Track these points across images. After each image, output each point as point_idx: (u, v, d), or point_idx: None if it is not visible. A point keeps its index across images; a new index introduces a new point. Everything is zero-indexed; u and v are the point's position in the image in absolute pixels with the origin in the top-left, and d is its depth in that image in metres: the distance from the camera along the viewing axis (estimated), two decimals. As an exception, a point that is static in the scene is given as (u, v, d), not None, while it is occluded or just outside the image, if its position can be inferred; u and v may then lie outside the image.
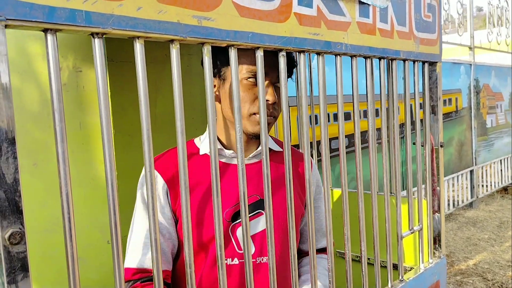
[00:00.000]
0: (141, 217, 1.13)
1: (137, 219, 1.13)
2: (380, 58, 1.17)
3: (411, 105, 1.42)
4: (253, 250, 1.13)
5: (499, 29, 6.92)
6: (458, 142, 5.75)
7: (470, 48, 6.09)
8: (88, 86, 1.83)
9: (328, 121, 3.46)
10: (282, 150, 1.20)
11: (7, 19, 0.54)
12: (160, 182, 1.11)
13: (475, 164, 6.15)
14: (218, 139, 1.17)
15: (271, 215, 0.93)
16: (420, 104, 1.39)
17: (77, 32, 0.60)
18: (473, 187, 6.17)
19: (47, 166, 1.76)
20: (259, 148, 1.17)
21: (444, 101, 5.44)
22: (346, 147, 1.18)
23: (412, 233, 1.30)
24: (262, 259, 1.13)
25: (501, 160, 6.94)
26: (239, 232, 1.12)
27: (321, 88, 1.01)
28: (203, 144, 1.17)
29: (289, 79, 1.11)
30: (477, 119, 6.19)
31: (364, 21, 1.08)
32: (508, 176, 7.23)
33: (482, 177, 6.57)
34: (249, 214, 1.11)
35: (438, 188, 1.41)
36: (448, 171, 5.58)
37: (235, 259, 1.12)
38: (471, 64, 6.01)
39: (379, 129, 2.99)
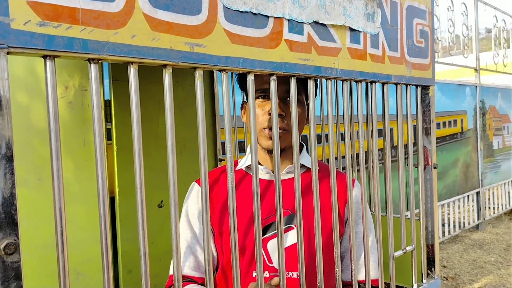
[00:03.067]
0: (182, 228, 1.23)
1: (180, 231, 1.22)
2: (371, 82, 1.21)
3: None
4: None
5: (505, 51, 6.95)
6: (464, 163, 5.74)
7: (475, 70, 6.12)
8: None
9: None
10: (318, 168, 1.25)
11: (9, 46, 0.59)
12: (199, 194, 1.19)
13: (482, 186, 6.11)
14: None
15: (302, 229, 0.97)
16: (415, 126, 1.42)
17: (74, 58, 0.65)
18: (480, 209, 6.12)
19: (51, 182, 1.80)
20: (291, 165, 1.23)
21: (449, 122, 5.46)
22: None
23: (404, 253, 1.32)
24: (292, 274, 1.16)
25: (509, 182, 6.88)
26: (269, 245, 1.17)
27: (329, 109, 1.05)
28: (242, 160, 1.27)
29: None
30: (483, 140, 6.17)
31: (355, 47, 1.13)
32: (516, 199, 7.17)
33: (489, 199, 6.52)
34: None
35: (431, 208, 1.43)
36: (453, 193, 5.55)
37: (266, 272, 1.17)
38: (476, 86, 6.03)
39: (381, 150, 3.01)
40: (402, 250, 1.32)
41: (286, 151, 1.19)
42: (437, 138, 5.18)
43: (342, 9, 1.10)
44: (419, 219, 1.42)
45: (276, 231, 1.16)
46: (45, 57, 0.64)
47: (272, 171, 1.23)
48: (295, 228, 1.16)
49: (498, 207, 6.69)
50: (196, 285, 1.20)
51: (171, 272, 1.24)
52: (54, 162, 0.63)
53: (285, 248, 1.17)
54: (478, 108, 6.05)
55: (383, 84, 1.25)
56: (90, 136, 1.83)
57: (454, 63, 5.74)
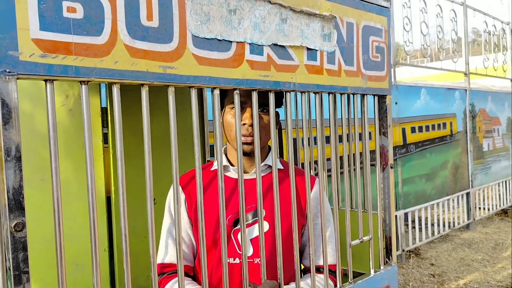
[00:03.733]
0: (166, 221, 1.44)
1: (163, 225, 1.43)
2: (328, 93, 1.40)
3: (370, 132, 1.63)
4: (251, 251, 1.35)
5: (496, 56, 7.13)
6: (453, 165, 5.91)
7: (465, 74, 6.30)
8: (95, 111, 2.09)
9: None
10: (283, 167, 1.44)
11: (18, 74, 0.78)
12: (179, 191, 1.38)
13: (471, 187, 6.28)
14: (227, 157, 1.44)
15: (262, 222, 1.17)
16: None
17: (68, 80, 0.84)
18: (470, 209, 6.29)
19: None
20: (262, 164, 1.41)
21: (439, 125, 5.63)
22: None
23: (361, 242, 1.50)
24: (257, 260, 1.35)
25: (499, 183, 7.05)
26: (239, 236, 1.36)
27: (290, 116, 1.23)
28: (215, 162, 1.45)
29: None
30: (473, 142, 6.35)
31: (311, 64, 1.32)
32: (508, 199, 7.33)
33: (481, 200, 6.69)
34: (249, 221, 1.36)
35: (388, 203, 1.62)
36: (443, 193, 5.73)
37: (237, 258, 1.35)
38: (466, 90, 6.21)
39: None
40: (359, 239, 1.51)
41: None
42: (426, 141, 5.37)
43: (300, 32, 1.29)
44: (377, 213, 1.61)
45: (246, 222, 1.35)
46: (45, 81, 0.83)
47: (245, 172, 1.42)
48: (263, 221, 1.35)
49: (489, 208, 6.86)
50: (186, 280, 1.37)
51: (158, 261, 1.41)
52: (53, 164, 0.81)
53: (254, 238, 1.37)
54: (468, 111, 6.23)
55: (340, 94, 1.44)
56: (93, 141, 2.02)
57: (444, 67, 5.92)
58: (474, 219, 6.39)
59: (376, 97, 1.60)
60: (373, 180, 1.64)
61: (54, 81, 0.83)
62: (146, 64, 0.95)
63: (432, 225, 5.63)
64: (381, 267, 1.60)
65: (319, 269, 1.43)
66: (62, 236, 0.86)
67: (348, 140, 1.63)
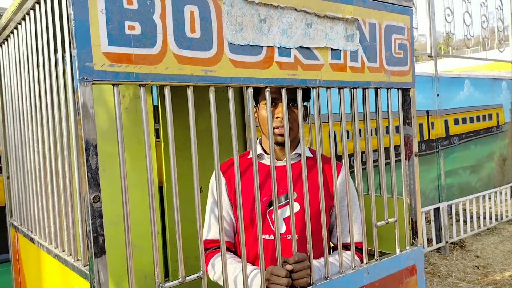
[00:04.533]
0: (210, 203, 1.66)
1: (207, 206, 1.66)
2: (352, 88, 1.56)
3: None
4: (284, 229, 1.55)
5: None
6: (500, 156, 5.81)
7: (512, 63, 6.15)
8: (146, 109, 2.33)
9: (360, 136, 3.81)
10: (312, 156, 1.63)
11: (93, 80, 1.00)
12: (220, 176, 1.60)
13: (521, 179, 6.15)
14: (262, 147, 1.65)
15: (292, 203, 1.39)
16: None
17: (130, 84, 1.05)
18: (519, 202, 6.16)
19: (112, 172, 2.26)
20: (293, 153, 1.61)
21: (484, 116, 5.56)
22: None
23: (386, 223, 1.65)
24: (290, 237, 1.54)
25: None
26: (273, 215, 1.55)
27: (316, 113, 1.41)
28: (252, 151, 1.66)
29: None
30: (522, 133, 6.20)
31: (336, 62, 1.48)
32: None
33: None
34: (282, 202, 1.55)
35: (414, 189, 1.75)
36: (489, 185, 5.65)
37: (271, 235, 1.55)
38: (514, 79, 6.07)
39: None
40: (385, 221, 1.65)
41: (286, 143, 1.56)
42: (470, 132, 5.34)
43: (324, 34, 1.45)
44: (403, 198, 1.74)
45: (279, 204, 1.54)
46: (113, 85, 1.05)
47: (276, 159, 1.61)
48: (295, 202, 1.53)
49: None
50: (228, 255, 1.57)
51: (204, 238, 1.63)
52: (121, 156, 1.03)
53: (284, 218, 1.55)
54: (516, 102, 6.08)
55: (364, 88, 1.59)
56: (143, 136, 2.27)
57: (489, 57, 5.82)
58: (524, 212, 6.24)
59: (400, 91, 1.73)
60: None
61: (119, 85, 1.05)
62: (191, 69, 1.15)
63: (478, 217, 5.58)
64: (408, 247, 1.74)
65: (346, 247, 1.59)
66: (129, 221, 1.08)
67: (377, 133, 1.78)
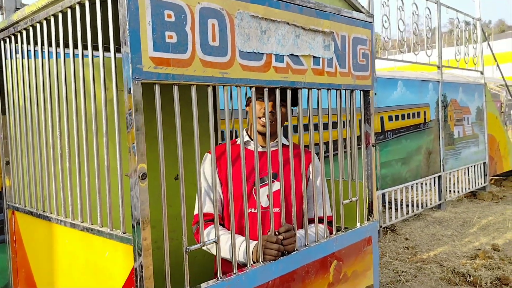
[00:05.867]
0: (202, 181, 1.88)
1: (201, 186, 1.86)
2: (328, 89, 1.88)
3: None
4: (267, 204, 1.83)
5: (467, 49, 7.73)
6: (426, 150, 6.50)
7: (438, 67, 6.87)
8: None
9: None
10: (288, 144, 1.93)
11: (142, 79, 1.23)
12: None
13: (443, 171, 6.90)
14: (248, 135, 1.93)
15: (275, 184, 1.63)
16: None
17: (165, 84, 1.29)
18: (441, 191, 6.91)
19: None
20: (275, 141, 1.90)
21: (413, 114, 6.20)
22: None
23: (350, 201, 2.00)
24: (275, 210, 1.82)
25: (469, 168, 7.70)
26: (260, 191, 1.82)
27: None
28: (239, 139, 1.91)
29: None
30: (445, 130, 6.95)
31: (316, 68, 1.79)
32: (476, 182, 7.99)
33: (452, 183, 7.32)
34: (265, 181, 1.83)
35: (370, 174, 2.11)
36: (417, 176, 6.31)
37: (255, 209, 1.82)
38: (439, 82, 6.78)
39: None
40: (349, 199, 2.00)
41: (272, 134, 1.86)
42: (401, 128, 5.93)
43: (308, 44, 1.75)
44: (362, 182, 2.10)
45: (265, 182, 1.83)
46: (154, 84, 1.28)
47: (262, 146, 1.90)
48: (275, 181, 1.83)
49: (459, 190, 7.51)
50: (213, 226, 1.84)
51: (195, 212, 1.88)
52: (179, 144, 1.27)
53: (267, 194, 1.85)
54: (440, 102, 6.81)
55: (336, 90, 1.92)
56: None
57: (419, 60, 6.46)
58: (445, 200, 7.01)
59: (362, 92, 2.08)
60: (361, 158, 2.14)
61: (160, 84, 1.28)
62: (212, 71, 1.40)
63: (407, 205, 6.22)
64: (365, 222, 2.10)
65: (320, 220, 1.92)
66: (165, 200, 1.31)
67: (344, 126, 2.12)
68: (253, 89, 1.57)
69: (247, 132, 1.96)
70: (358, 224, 2.06)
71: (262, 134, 1.89)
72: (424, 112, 6.42)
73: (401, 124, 5.91)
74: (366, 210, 2.13)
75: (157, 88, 1.28)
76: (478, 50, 8.17)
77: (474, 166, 7.87)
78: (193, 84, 1.37)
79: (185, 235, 1.38)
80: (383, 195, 5.68)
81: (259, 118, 1.85)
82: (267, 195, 1.86)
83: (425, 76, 6.98)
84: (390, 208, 5.93)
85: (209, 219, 1.87)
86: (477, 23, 8.18)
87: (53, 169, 1.74)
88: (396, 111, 5.85)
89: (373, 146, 2.12)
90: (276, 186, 1.86)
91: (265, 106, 1.64)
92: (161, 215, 1.46)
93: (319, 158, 2.00)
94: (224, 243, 1.77)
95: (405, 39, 6.10)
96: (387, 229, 5.88)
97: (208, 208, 1.88)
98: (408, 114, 6.08)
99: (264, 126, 1.83)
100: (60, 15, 1.56)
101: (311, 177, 1.89)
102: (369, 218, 2.15)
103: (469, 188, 7.77)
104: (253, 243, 1.70)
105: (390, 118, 5.72)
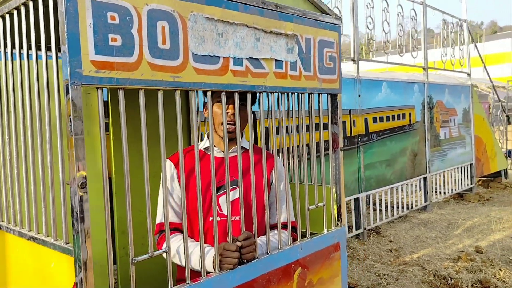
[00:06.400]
0: (160, 193, 1.82)
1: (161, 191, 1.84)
2: (291, 93, 1.84)
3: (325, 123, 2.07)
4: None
5: (453, 51, 7.73)
6: (412, 152, 6.48)
7: (424, 68, 6.86)
8: (95, 104, 2.46)
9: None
10: (254, 149, 1.88)
11: (82, 84, 1.18)
12: (172, 166, 1.79)
13: (429, 172, 6.89)
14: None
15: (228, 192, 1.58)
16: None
17: (110, 88, 1.24)
18: (427, 193, 6.90)
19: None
20: (235, 146, 1.84)
21: (398, 115, 6.18)
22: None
23: (316, 207, 1.96)
24: (235, 218, 1.78)
25: (455, 169, 7.70)
26: (220, 199, 1.78)
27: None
28: (201, 144, 1.89)
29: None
30: (431, 132, 6.94)
31: (278, 71, 1.75)
32: (463, 184, 8.00)
33: (438, 184, 7.32)
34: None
35: (339, 179, 2.07)
36: (402, 178, 6.30)
37: (218, 217, 1.77)
38: (424, 83, 6.78)
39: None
40: (315, 205, 1.96)
41: (233, 138, 1.82)
42: (386, 130, 5.91)
43: (270, 47, 1.71)
44: (330, 186, 2.06)
45: (225, 190, 1.78)
46: (97, 88, 1.23)
47: (223, 151, 1.85)
48: (237, 188, 1.78)
49: (445, 191, 7.51)
50: (179, 236, 1.78)
51: (157, 222, 1.84)
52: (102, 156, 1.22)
53: (232, 201, 1.80)
54: (426, 103, 6.80)
55: (301, 93, 1.88)
56: (93, 129, 2.40)
57: (404, 62, 6.44)
58: (431, 202, 7.01)
59: (329, 95, 2.04)
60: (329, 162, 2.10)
61: (103, 88, 1.23)
62: (162, 75, 1.36)
63: (392, 207, 6.20)
64: (333, 227, 2.06)
65: (283, 226, 1.88)
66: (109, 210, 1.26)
67: (308, 130, 2.08)
68: (209, 93, 1.53)
69: (208, 137, 1.91)
70: (325, 230, 2.02)
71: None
72: (410, 114, 6.41)
73: (385, 125, 5.89)
74: (334, 215, 2.09)
75: (99, 93, 1.24)
76: (465, 52, 8.18)
77: (461, 167, 7.87)
78: (141, 89, 1.32)
79: (131, 245, 1.33)
80: (367, 197, 5.66)
81: (221, 123, 1.79)
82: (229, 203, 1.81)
83: (410, 77, 6.97)
84: (374, 210, 5.91)
85: (171, 228, 1.81)
86: (463, 25, 8.19)
87: (3, 175, 1.69)
88: (381, 112, 5.83)
89: (341, 150, 2.08)
90: (237, 193, 1.82)
91: (223, 111, 1.60)
92: (134, 221, 1.41)
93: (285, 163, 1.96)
94: (183, 251, 1.72)
95: (389, 41, 6.08)
96: (372, 231, 5.86)
97: (170, 217, 1.82)
98: (393, 116, 6.07)
99: (228, 132, 1.78)
100: (7, 16, 1.51)
101: (274, 182, 1.85)
102: (337, 224, 2.11)
103: (455, 190, 7.77)
104: (211, 252, 1.66)
105: (374, 120, 5.70)
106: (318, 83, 1.93)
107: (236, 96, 1.61)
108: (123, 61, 1.26)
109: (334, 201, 2.09)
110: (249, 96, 1.67)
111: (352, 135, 5.30)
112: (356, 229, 5.52)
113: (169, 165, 1.85)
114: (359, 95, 5.35)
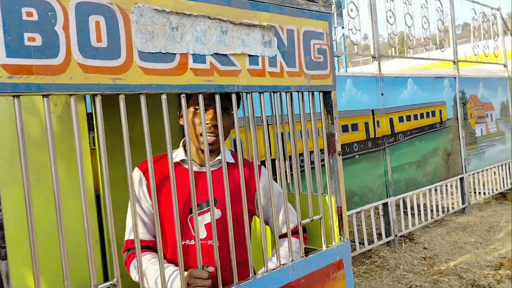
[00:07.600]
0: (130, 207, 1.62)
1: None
2: (272, 92, 1.60)
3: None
4: (205, 234, 1.57)
5: (486, 42, 7.24)
6: (444, 151, 6.06)
7: (454, 62, 6.43)
8: (82, 115, 2.31)
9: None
10: (234, 162, 1.65)
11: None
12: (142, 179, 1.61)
13: (465, 172, 6.43)
14: (184, 150, 1.66)
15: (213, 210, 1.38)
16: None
17: (32, 95, 1.05)
18: (464, 194, 6.44)
19: (46, 181, 2.23)
20: (216, 159, 1.62)
21: (427, 113, 5.79)
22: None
23: (311, 220, 1.71)
24: (210, 242, 1.57)
25: (496, 167, 7.17)
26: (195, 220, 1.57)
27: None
28: (174, 153, 1.65)
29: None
30: (465, 129, 6.49)
31: (254, 68, 1.52)
32: (506, 183, 7.44)
33: (477, 184, 6.82)
34: (203, 208, 1.57)
35: (338, 187, 1.82)
36: (435, 179, 5.88)
37: (192, 240, 1.56)
38: (455, 77, 6.35)
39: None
40: (310, 218, 1.71)
41: (214, 150, 1.60)
42: (414, 129, 5.53)
43: (241, 41, 1.49)
44: (328, 195, 1.81)
45: (201, 210, 1.57)
46: (13, 96, 1.05)
47: (200, 165, 1.63)
48: (216, 209, 1.56)
49: (485, 192, 6.99)
50: (148, 255, 1.58)
51: (126, 238, 1.63)
52: (52, 165, 1.03)
53: (205, 224, 1.58)
54: (458, 98, 6.37)
55: (285, 92, 1.65)
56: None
57: (431, 57, 6.06)
58: (469, 204, 6.53)
59: (321, 93, 1.80)
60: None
61: (20, 96, 1.05)
62: (97, 78, 1.16)
63: (426, 210, 5.80)
64: (334, 243, 1.81)
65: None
66: (63, 231, 1.08)
67: (301, 135, 1.84)
68: (163, 97, 1.32)
69: (183, 146, 1.70)
70: (324, 247, 1.76)
71: (203, 151, 1.62)
72: (440, 111, 6.00)
73: (413, 124, 5.52)
74: (335, 228, 1.83)
75: (16, 102, 1.05)
76: (500, 43, 7.65)
77: (502, 165, 7.33)
78: (72, 94, 1.13)
79: (92, 268, 1.13)
80: (397, 201, 5.30)
81: (201, 135, 1.57)
82: (205, 225, 1.59)
83: (438, 72, 6.55)
84: (406, 213, 5.53)
85: (142, 246, 1.61)
86: (497, 14, 7.68)
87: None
88: (407, 111, 5.47)
89: (339, 154, 1.83)
90: (217, 214, 1.59)
91: (202, 119, 1.40)
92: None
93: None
94: (153, 274, 1.52)
95: (413, 35, 5.72)
96: (404, 238, 5.48)
97: (142, 233, 1.62)
98: (422, 114, 5.68)
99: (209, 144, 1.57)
100: None
101: (259, 198, 1.60)
102: (340, 238, 1.85)
103: (497, 189, 7.23)
104: (177, 279, 1.44)
105: (400, 119, 5.35)
106: (306, 80, 1.69)
107: (201, 98, 1.40)
108: (45, 63, 1.08)
109: (334, 212, 1.83)
110: (217, 98, 1.45)
111: (376, 136, 4.98)
112: (386, 236, 5.17)
113: (138, 174, 1.64)
114: (382, 94, 5.02)
